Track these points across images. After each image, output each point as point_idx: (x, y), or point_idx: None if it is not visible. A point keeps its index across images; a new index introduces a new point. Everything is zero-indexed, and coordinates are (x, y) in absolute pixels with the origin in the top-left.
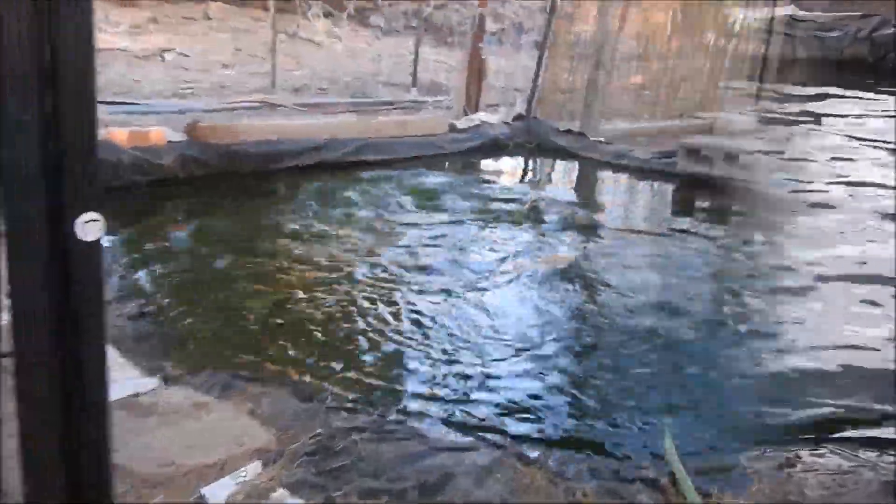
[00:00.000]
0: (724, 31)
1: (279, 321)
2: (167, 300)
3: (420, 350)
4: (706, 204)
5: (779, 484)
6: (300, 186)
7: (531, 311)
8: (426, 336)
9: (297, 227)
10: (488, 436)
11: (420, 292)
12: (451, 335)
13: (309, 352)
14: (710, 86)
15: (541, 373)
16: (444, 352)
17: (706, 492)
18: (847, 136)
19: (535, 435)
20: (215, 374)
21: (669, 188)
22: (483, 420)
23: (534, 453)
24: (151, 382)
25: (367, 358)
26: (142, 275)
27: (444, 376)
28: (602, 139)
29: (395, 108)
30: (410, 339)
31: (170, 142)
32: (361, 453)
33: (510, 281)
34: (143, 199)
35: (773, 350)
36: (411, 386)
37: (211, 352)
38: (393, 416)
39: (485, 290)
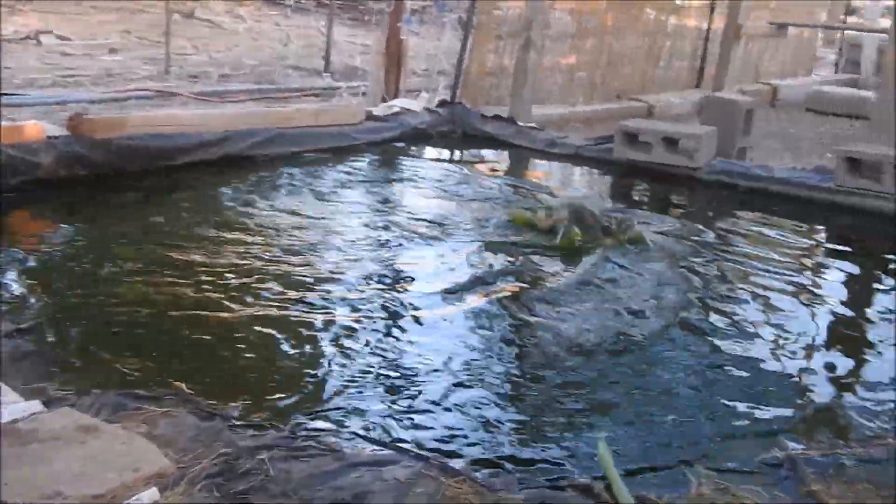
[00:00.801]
0: (665, 6)
1: (173, 334)
2: (46, 314)
3: (333, 361)
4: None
5: (718, 489)
6: (197, 184)
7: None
8: (338, 347)
9: (192, 229)
10: (409, 448)
11: (326, 300)
12: (358, 341)
13: (208, 367)
14: (649, 66)
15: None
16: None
17: (641, 496)
18: None
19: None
20: (104, 394)
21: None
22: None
23: (458, 464)
24: (31, 406)
25: (275, 370)
26: (15, 288)
27: (361, 382)
28: (533, 125)
29: (306, 96)
30: (320, 348)
31: (49, 137)
32: (270, 473)
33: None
34: (16, 204)
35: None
36: (325, 400)
37: (98, 369)
38: (304, 432)
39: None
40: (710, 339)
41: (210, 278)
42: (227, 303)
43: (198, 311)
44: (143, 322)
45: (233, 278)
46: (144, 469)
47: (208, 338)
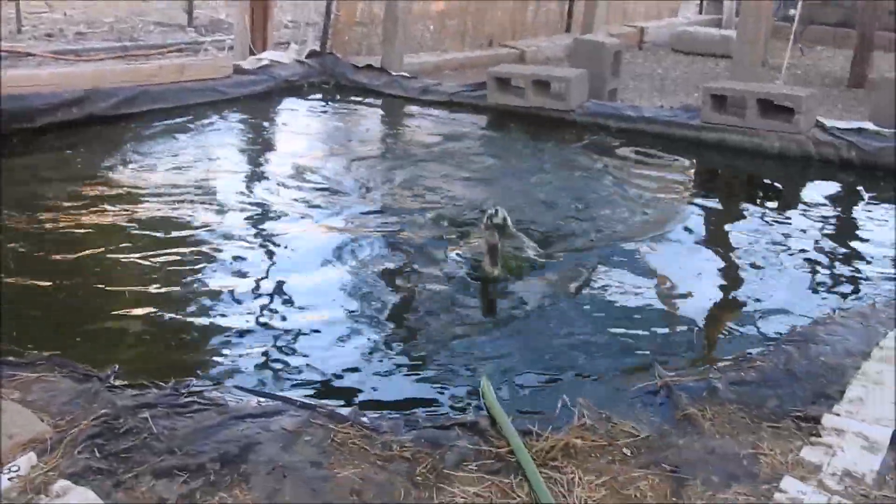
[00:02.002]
0: None
1: (40, 295)
2: None
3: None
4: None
5: (600, 419)
6: (57, 146)
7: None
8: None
9: (51, 192)
10: (295, 398)
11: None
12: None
13: (78, 330)
14: (519, 11)
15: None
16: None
17: (526, 429)
18: None
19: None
20: None
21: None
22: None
23: (345, 411)
24: None
25: (150, 327)
26: None
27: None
28: (406, 74)
29: (169, 52)
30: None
31: None
32: (153, 431)
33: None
34: None
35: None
36: (207, 354)
37: None
38: (187, 389)
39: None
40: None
41: (68, 243)
42: (90, 265)
43: (60, 276)
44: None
45: (92, 242)
46: (19, 435)
47: (77, 302)
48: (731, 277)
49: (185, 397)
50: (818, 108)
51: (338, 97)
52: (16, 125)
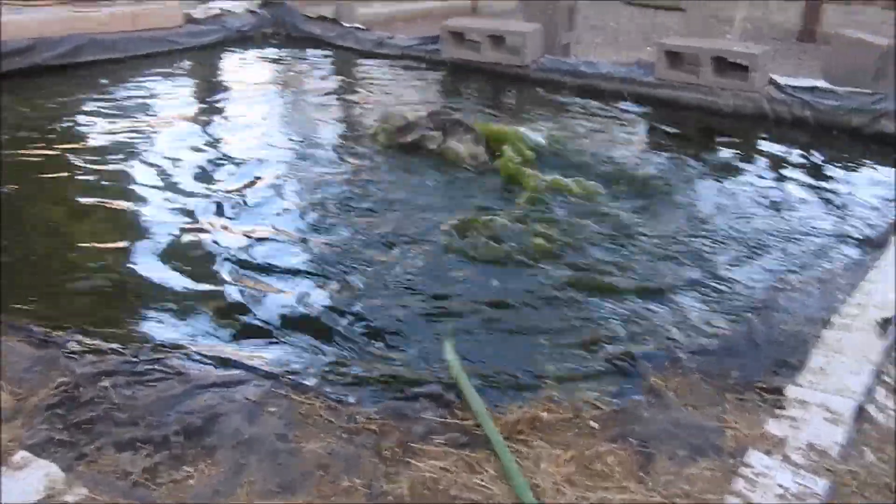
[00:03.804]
0: None
1: None
2: None
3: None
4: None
5: (566, 391)
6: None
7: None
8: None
9: None
10: (258, 367)
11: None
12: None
13: (31, 289)
14: None
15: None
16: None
17: (492, 402)
18: None
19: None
20: None
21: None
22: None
23: (310, 382)
24: None
25: (106, 288)
26: None
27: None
28: (359, 26)
29: None
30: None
31: None
32: (114, 400)
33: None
34: None
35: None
36: (162, 315)
37: None
38: (147, 356)
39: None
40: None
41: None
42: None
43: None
44: None
45: (43, 200)
46: None
47: (31, 260)
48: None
49: (145, 365)
50: (771, 65)
51: (289, 49)
52: None
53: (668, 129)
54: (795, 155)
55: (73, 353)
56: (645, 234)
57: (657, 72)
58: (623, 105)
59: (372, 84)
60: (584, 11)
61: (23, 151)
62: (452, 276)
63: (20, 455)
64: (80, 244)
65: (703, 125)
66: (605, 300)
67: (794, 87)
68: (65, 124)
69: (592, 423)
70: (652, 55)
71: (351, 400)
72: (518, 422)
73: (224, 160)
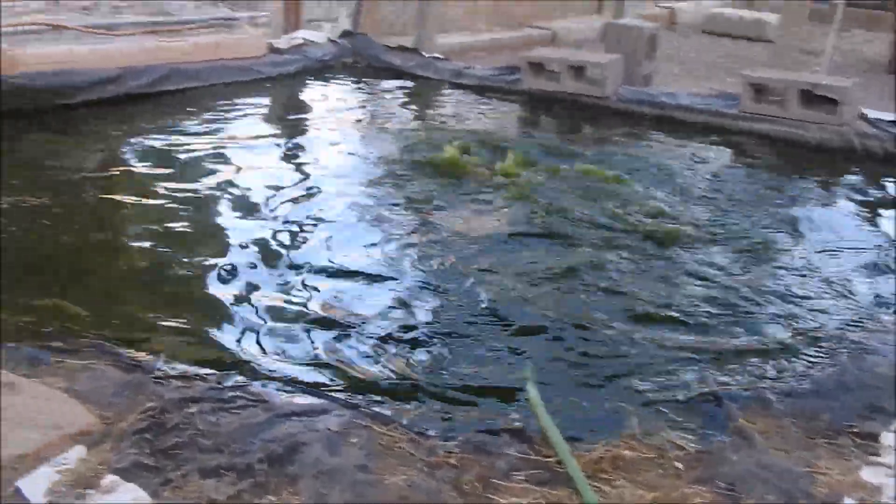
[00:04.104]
0: None
1: (84, 274)
2: None
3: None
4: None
5: (647, 433)
6: (93, 125)
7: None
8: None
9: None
10: (339, 396)
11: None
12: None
13: (125, 311)
14: None
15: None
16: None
17: (573, 437)
18: None
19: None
20: (17, 347)
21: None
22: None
23: (390, 411)
24: None
25: (196, 313)
26: None
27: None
28: (438, 55)
29: (203, 28)
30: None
31: None
32: (199, 427)
33: None
34: None
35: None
36: (249, 343)
37: (7, 319)
38: (232, 382)
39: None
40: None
41: (110, 220)
42: (133, 243)
43: (102, 253)
44: (53, 260)
45: (133, 222)
46: (68, 427)
47: (121, 279)
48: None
49: (230, 391)
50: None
51: (369, 79)
52: (57, 101)
53: (752, 160)
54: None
55: (160, 378)
56: (734, 274)
57: (742, 104)
58: (703, 136)
59: (449, 114)
60: (662, 41)
61: (103, 174)
62: (529, 303)
63: (109, 479)
64: (168, 267)
65: (789, 158)
66: (688, 334)
67: (887, 122)
68: (150, 149)
69: (677, 464)
70: (732, 85)
71: (432, 432)
72: (600, 460)
73: (305, 185)
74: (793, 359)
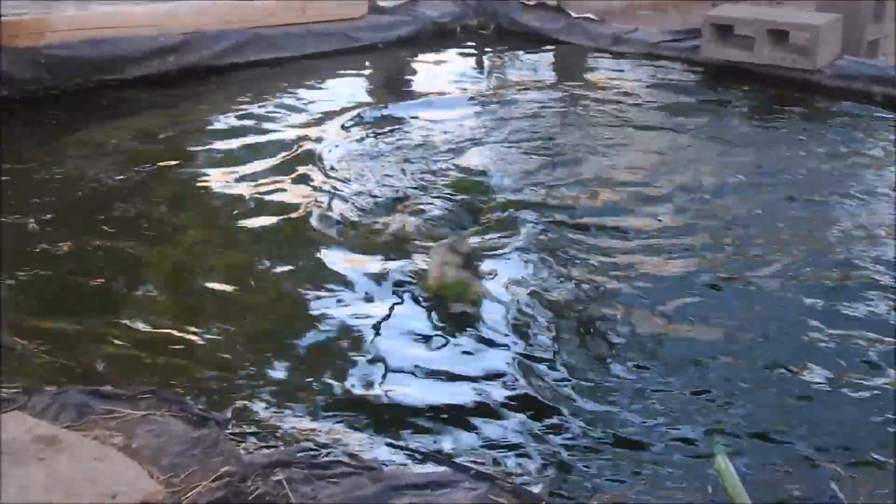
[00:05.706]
0: None
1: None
2: None
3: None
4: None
5: None
6: (149, 106)
7: None
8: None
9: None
10: (468, 464)
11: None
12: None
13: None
14: None
15: None
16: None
17: None
18: None
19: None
20: (64, 391)
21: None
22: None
23: (536, 488)
24: None
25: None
26: None
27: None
28: (591, 16)
29: None
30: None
31: None
32: (291, 500)
33: None
34: None
35: None
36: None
37: (54, 357)
38: (328, 441)
39: None
40: None
41: (169, 232)
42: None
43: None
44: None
45: (196, 232)
46: (126, 495)
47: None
48: None
49: (326, 454)
50: None
51: (500, 46)
52: (99, 77)
53: None
54: None
55: (238, 433)
56: None
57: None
58: None
59: (611, 92)
60: None
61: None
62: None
63: None
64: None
65: None
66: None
67: None
68: (219, 141)
69: None
70: None
71: None
72: None
73: (408, 184)
74: None
